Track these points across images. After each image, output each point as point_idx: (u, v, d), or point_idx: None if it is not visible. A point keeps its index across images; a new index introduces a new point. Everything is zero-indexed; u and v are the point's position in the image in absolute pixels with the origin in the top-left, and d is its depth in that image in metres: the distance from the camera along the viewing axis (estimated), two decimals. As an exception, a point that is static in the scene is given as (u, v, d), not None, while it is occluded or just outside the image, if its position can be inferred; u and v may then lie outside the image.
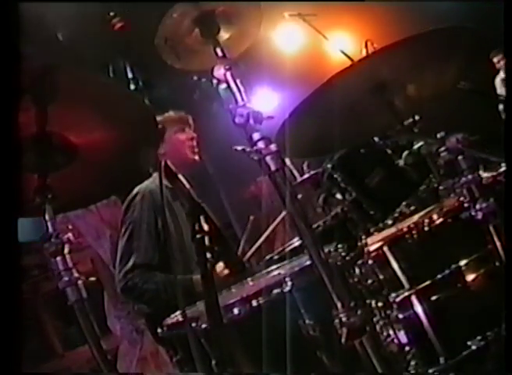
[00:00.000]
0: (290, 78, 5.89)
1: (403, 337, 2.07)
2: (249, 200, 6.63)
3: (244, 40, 2.14)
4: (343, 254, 2.00)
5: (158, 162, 1.74)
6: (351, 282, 2.01)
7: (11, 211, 1.55)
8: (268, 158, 1.66)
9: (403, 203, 2.64)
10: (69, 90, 1.71)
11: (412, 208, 2.57)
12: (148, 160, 1.97)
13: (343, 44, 5.12)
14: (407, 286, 2.11)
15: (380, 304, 2.08)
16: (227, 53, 1.91)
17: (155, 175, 2.99)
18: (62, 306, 1.71)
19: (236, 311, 1.88)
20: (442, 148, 1.88)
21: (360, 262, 2.10)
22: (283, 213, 3.68)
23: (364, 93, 2.03)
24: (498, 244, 1.91)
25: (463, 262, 2.12)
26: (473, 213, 1.91)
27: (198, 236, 1.57)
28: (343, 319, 1.64)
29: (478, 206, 1.89)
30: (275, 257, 2.91)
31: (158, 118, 2.07)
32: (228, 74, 1.79)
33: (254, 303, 1.88)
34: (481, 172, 1.97)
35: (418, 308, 2.10)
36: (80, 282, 1.68)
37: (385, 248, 2.14)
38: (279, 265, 2.38)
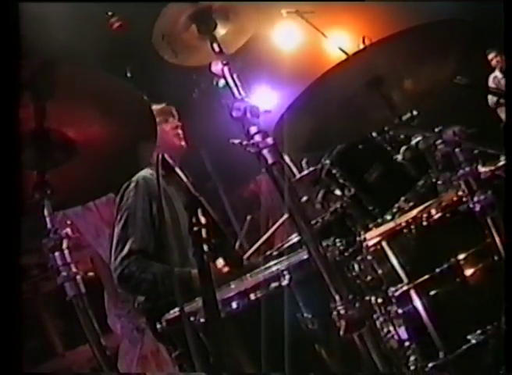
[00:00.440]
0: (288, 75, 5.89)
1: (402, 332, 2.08)
2: (248, 198, 6.64)
3: (241, 36, 2.15)
4: (342, 248, 2.00)
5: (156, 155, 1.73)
6: (350, 276, 2.01)
7: (12, 210, 1.55)
8: (265, 152, 1.67)
9: (402, 198, 2.65)
10: (68, 86, 1.72)
11: (411, 203, 2.57)
12: (147, 155, 1.97)
13: (341, 41, 5.13)
14: (405, 280, 2.11)
15: (380, 300, 2.08)
16: (224, 49, 1.91)
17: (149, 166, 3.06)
18: (62, 305, 1.72)
19: (234, 305, 1.89)
20: (439, 141, 1.89)
21: (359, 258, 2.11)
22: (285, 216, 3.70)
23: (360, 87, 2.03)
24: (496, 236, 1.91)
25: (461, 256, 2.12)
26: (471, 205, 1.91)
27: (195, 228, 1.58)
28: (341, 312, 1.65)
29: (475, 198, 1.89)
30: (274, 253, 2.91)
31: None
32: (225, 69, 1.80)
33: (252, 297, 1.89)
34: (479, 166, 1.97)
35: (417, 303, 2.10)
36: (78, 277, 1.68)
37: (384, 243, 2.15)
38: (277, 261, 2.38)
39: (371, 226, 2.47)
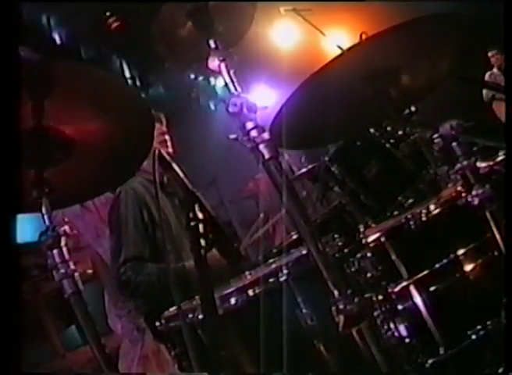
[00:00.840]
0: (286, 73, 5.89)
1: (402, 328, 2.07)
2: (248, 197, 6.65)
3: (238, 33, 2.14)
4: (341, 245, 2.00)
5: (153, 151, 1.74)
6: (349, 273, 2.01)
7: (9, 208, 1.55)
8: (261, 147, 1.67)
9: (401, 194, 2.64)
10: (66, 84, 1.71)
11: (410, 199, 2.57)
12: (144, 154, 1.97)
13: (338, 38, 5.12)
14: (405, 276, 2.11)
15: (380, 297, 2.08)
16: (221, 45, 1.91)
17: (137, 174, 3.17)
18: (62, 306, 1.71)
19: (232, 301, 1.89)
20: (436, 135, 1.88)
21: (358, 254, 2.11)
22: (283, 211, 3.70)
23: (357, 82, 2.02)
24: (495, 231, 1.90)
25: (461, 252, 2.11)
26: (469, 199, 1.91)
27: (192, 223, 1.58)
28: (340, 307, 1.64)
29: (473, 192, 1.89)
30: (274, 251, 2.91)
31: None
32: (222, 65, 1.80)
33: (251, 293, 1.89)
34: (477, 162, 1.96)
35: (417, 299, 2.09)
36: (76, 274, 1.68)
37: (383, 239, 2.14)
38: (276, 258, 2.38)
39: (370, 222, 2.47)
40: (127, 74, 6.79)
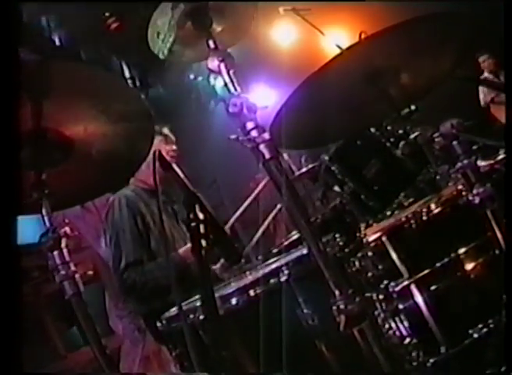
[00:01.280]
0: (285, 72, 5.89)
1: (404, 328, 2.07)
2: (248, 196, 6.63)
3: (238, 32, 2.14)
4: (341, 244, 1.99)
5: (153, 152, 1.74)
6: (350, 272, 2.01)
7: (9, 210, 1.54)
8: (261, 147, 1.67)
9: (402, 193, 2.64)
10: (65, 85, 1.71)
11: (410, 198, 2.57)
12: (144, 154, 1.97)
13: (338, 38, 5.12)
14: (406, 275, 2.11)
15: (380, 296, 2.08)
16: (220, 46, 1.91)
17: (131, 181, 3.38)
18: (63, 307, 1.71)
19: (233, 301, 1.89)
20: (437, 134, 1.88)
21: (359, 254, 2.10)
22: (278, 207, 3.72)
23: (357, 81, 2.02)
24: (496, 229, 1.90)
25: (462, 251, 2.11)
26: (470, 198, 1.90)
27: (193, 224, 1.58)
28: (341, 307, 1.64)
29: (474, 191, 1.88)
30: (274, 251, 2.91)
31: None
32: (221, 65, 1.79)
33: (252, 293, 1.89)
34: (478, 160, 1.96)
35: (418, 298, 2.10)
36: (77, 276, 1.68)
37: (384, 239, 2.15)
38: (277, 258, 2.38)
39: (371, 221, 2.47)
40: (127, 75, 6.78)
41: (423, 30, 1.93)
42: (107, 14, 6.36)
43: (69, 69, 1.76)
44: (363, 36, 3.12)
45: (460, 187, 2.06)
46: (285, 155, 3.32)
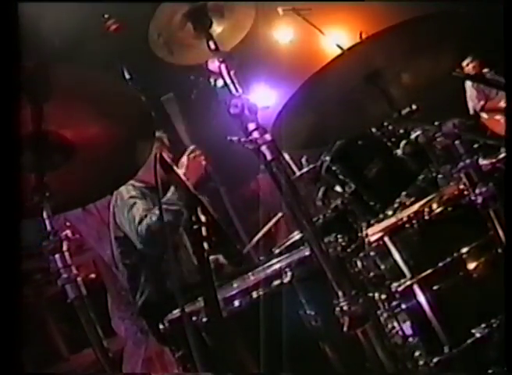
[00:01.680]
0: (286, 73, 5.88)
1: (406, 328, 2.07)
2: (249, 197, 6.62)
3: (237, 33, 2.13)
4: (344, 244, 1.99)
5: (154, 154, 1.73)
6: (353, 272, 2.01)
7: (11, 213, 1.54)
8: (263, 148, 1.66)
9: (403, 193, 2.63)
10: (65, 88, 1.70)
11: (412, 198, 2.56)
12: (145, 157, 1.96)
13: (338, 38, 5.12)
14: (408, 275, 2.10)
15: (383, 296, 2.08)
16: (220, 46, 1.90)
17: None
18: (66, 309, 1.71)
19: (236, 303, 1.88)
20: (439, 134, 1.88)
21: (361, 254, 2.10)
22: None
23: (358, 81, 2.02)
24: (499, 229, 1.89)
25: (464, 250, 2.11)
26: (472, 198, 1.90)
27: (195, 226, 1.57)
28: (345, 308, 1.64)
29: (477, 191, 1.88)
30: (276, 251, 2.91)
31: None
32: (222, 66, 1.78)
33: (255, 295, 1.88)
34: (480, 159, 1.96)
35: (421, 298, 2.09)
36: (79, 279, 1.68)
37: (386, 239, 2.14)
38: (279, 258, 2.38)
39: (372, 221, 2.46)
40: (126, 76, 6.76)
41: (423, 29, 1.93)
42: (106, 16, 6.35)
43: (70, 72, 1.76)
44: (363, 36, 3.12)
45: (461, 186, 2.05)
46: (286, 156, 3.31)
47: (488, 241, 2.07)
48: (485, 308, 2.08)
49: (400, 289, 2.09)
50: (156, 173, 1.62)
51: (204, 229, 1.60)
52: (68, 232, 1.72)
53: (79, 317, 1.70)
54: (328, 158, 2.92)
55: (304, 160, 3.27)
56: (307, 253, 1.89)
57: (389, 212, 2.51)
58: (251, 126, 1.68)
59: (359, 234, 2.21)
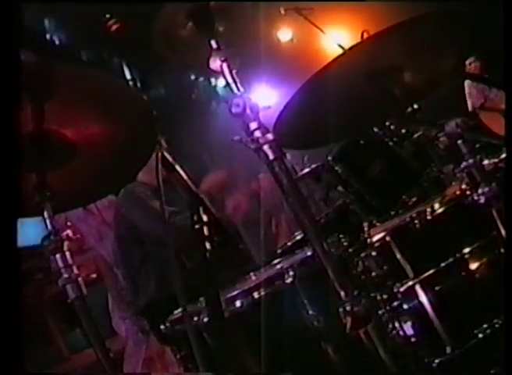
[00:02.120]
0: (288, 72, 5.89)
1: (409, 328, 2.06)
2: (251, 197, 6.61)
3: (240, 32, 2.13)
4: (346, 245, 1.99)
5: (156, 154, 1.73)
6: (355, 273, 2.00)
7: (11, 213, 1.53)
8: (265, 148, 1.65)
9: (405, 193, 2.63)
10: (66, 86, 1.70)
11: (414, 198, 2.56)
12: (146, 156, 1.95)
13: (340, 38, 5.12)
14: (411, 276, 2.10)
15: (385, 296, 2.07)
16: (222, 45, 1.89)
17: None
18: (67, 309, 1.71)
19: (238, 303, 1.88)
20: (441, 133, 1.87)
21: (363, 254, 2.09)
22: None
23: (360, 81, 2.01)
24: (502, 229, 1.89)
25: (466, 250, 2.10)
26: (475, 198, 1.90)
27: (197, 226, 1.57)
28: (347, 308, 1.63)
29: (480, 190, 1.87)
30: (278, 251, 2.90)
31: None
32: (224, 65, 1.78)
33: (256, 295, 1.88)
34: (483, 159, 1.95)
35: (423, 298, 2.09)
36: (80, 279, 1.68)
37: (388, 239, 2.13)
38: (281, 258, 2.37)
39: (375, 221, 2.46)
40: (128, 76, 6.77)
41: (425, 28, 1.92)
42: (107, 16, 6.36)
43: (71, 71, 1.75)
44: (365, 35, 3.12)
45: (464, 186, 2.05)
46: (288, 155, 3.30)
47: (490, 241, 2.06)
48: (488, 309, 2.07)
49: (402, 289, 2.08)
50: (158, 173, 1.61)
51: (205, 228, 1.59)
52: (69, 232, 1.71)
53: (79, 318, 1.69)
54: (330, 157, 2.92)
55: (305, 159, 3.27)
56: (309, 253, 1.89)
57: (392, 212, 2.50)
58: (253, 125, 1.67)
59: (361, 234, 2.20)
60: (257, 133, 1.67)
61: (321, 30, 4.83)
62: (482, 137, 1.95)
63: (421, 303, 2.08)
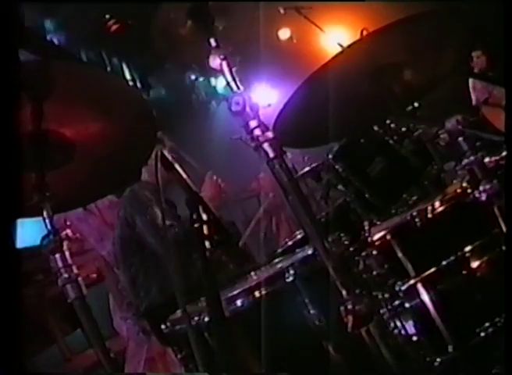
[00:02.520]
0: (288, 71, 5.89)
1: (410, 327, 2.06)
2: (251, 197, 6.63)
3: (240, 31, 2.12)
4: (347, 243, 1.98)
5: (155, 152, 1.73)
6: (356, 271, 1.99)
7: (10, 213, 1.53)
8: (265, 146, 1.65)
9: (406, 191, 2.63)
10: (66, 86, 1.70)
11: (415, 196, 2.56)
12: (146, 156, 1.95)
13: (340, 36, 5.13)
14: (412, 274, 2.09)
15: (386, 295, 2.06)
16: (222, 44, 1.89)
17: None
18: (68, 309, 1.71)
19: (238, 303, 1.87)
20: (442, 131, 1.87)
21: (364, 253, 2.09)
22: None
23: (359, 79, 2.01)
24: (503, 226, 1.88)
25: (468, 248, 2.09)
26: (477, 195, 1.89)
27: (196, 225, 1.56)
28: (349, 307, 1.62)
29: (481, 188, 1.87)
30: (279, 250, 2.90)
31: None
32: (223, 64, 1.77)
33: (257, 294, 1.87)
34: (484, 156, 1.94)
35: (425, 297, 2.08)
36: (79, 279, 1.67)
37: (389, 237, 2.13)
38: (282, 257, 2.37)
39: (375, 220, 2.45)
40: (127, 76, 6.78)
41: (425, 26, 1.92)
42: (107, 16, 6.37)
43: (70, 71, 1.75)
44: (364, 33, 3.11)
45: (464, 184, 2.04)
46: (288, 154, 3.31)
47: (491, 239, 2.05)
48: (490, 308, 2.06)
49: (403, 288, 2.07)
50: (157, 171, 1.61)
51: (205, 227, 1.59)
52: (68, 231, 1.71)
53: (80, 318, 1.69)
54: (330, 156, 2.91)
55: (305, 158, 3.27)
56: (310, 252, 1.88)
57: (392, 211, 2.50)
58: (253, 123, 1.67)
59: (362, 233, 2.19)
60: (257, 132, 1.66)
61: (321, 29, 4.84)
62: (483, 133, 1.94)
63: (422, 302, 2.07)
